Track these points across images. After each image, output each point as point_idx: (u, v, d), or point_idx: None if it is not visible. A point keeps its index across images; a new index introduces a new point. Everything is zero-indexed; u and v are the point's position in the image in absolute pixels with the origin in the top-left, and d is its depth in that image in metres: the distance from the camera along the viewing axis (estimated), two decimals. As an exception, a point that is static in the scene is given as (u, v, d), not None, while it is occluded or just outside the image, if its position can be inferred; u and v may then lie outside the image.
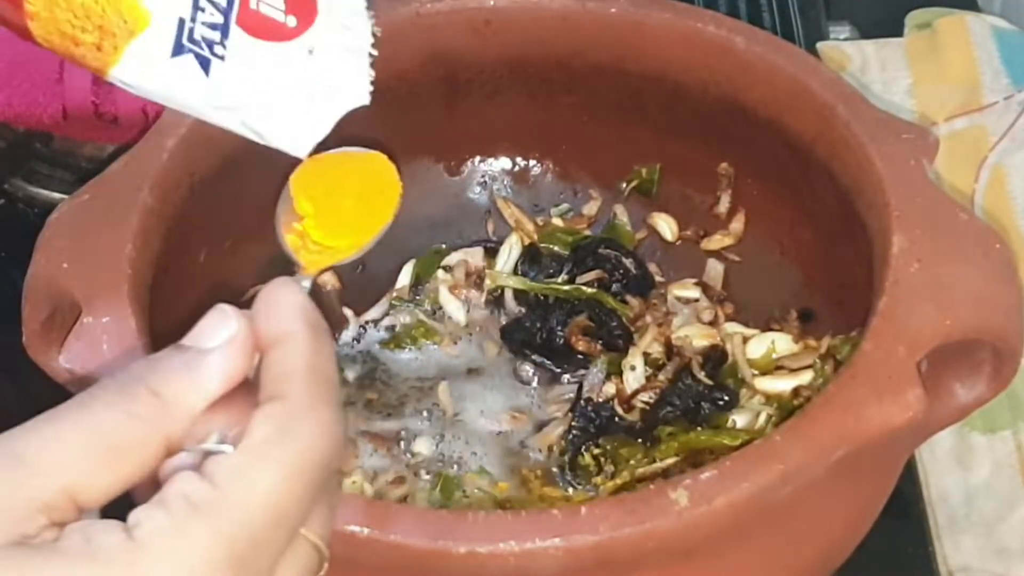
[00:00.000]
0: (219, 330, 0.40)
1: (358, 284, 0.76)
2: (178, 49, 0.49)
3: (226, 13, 0.50)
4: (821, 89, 0.66)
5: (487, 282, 0.75)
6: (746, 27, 0.70)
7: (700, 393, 0.69)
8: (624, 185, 0.78)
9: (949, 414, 0.62)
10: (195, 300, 0.70)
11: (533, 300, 0.75)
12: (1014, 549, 0.72)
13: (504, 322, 0.74)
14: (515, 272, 0.76)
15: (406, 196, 0.78)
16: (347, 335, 0.74)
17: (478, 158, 0.79)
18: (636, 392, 0.69)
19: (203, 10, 0.49)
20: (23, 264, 0.62)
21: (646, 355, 0.71)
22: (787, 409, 0.66)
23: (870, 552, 0.62)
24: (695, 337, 0.71)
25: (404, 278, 0.76)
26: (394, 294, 0.75)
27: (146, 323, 0.59)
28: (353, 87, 0.54)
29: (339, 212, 0.54)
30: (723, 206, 0.75)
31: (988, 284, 0.58)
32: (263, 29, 0.51)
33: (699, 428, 0.67)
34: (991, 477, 0.74)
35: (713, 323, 0.73)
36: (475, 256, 0.76)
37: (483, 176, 0.79)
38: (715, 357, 0.70)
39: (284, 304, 0.41)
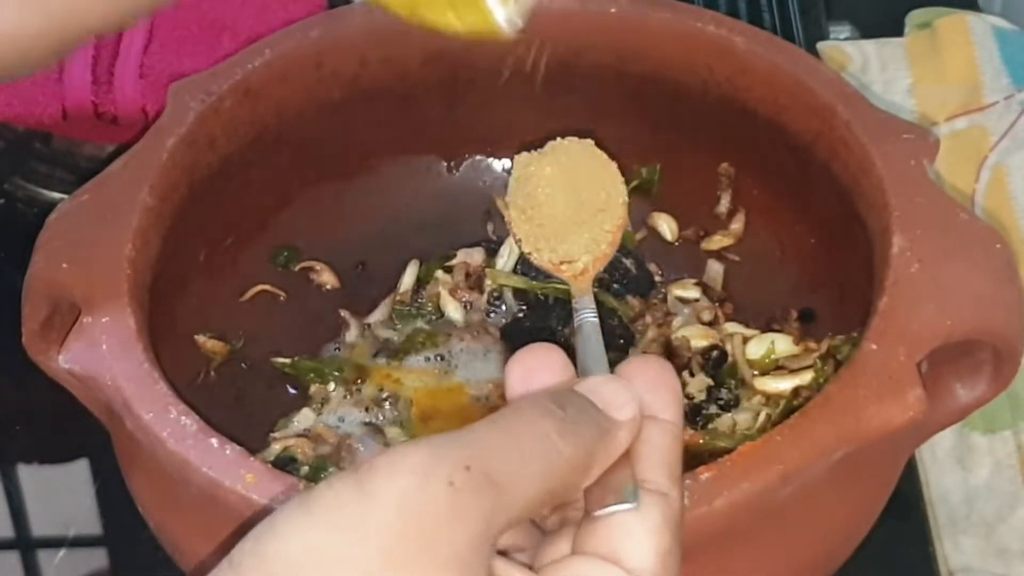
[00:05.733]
0: (627, 406, 0.42)
1: (358, 285, 0.76)
2: None
3: None
4: (821, 89, 0.66)
5: (487, 282, 0.75)
6: (746, 27, 0.70)
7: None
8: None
9: (949, 414, 0.62)
10: (195, 300, 0.70)
11: (533, 300, 0.75)
12: (1014, 549, 0.72)
13: (504, 322, 0.74)
14: (515, 272, 0.76)
15: (406, 196, 0.79)
16: (349, 337, 0.74)
17: (478, 158, 0.78)
18: (636, 392, 0.69)
19: None
20: (22, 264, 0.62)
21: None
22: (787, 409, 0.66)
23: (870, 552, 0.62)
24: (695, 337, 0.71)
25: (408, 281, 0.76)
26: (396, 298, 0.75)
27: (146, 323, 0.59)
28: None
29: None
30: (723, 206, 0.75)
31: (989, 284, 0.58)
32: None
33: (699, 429, 0.67)
34: (991, 477, 0.74)
35: (713, 323, 0.73)
36: (475, 256, 0.76)
37: (483, 176, 0.79)
38: (715, 357, 0.70)
39: (668, 389, 0.44)
